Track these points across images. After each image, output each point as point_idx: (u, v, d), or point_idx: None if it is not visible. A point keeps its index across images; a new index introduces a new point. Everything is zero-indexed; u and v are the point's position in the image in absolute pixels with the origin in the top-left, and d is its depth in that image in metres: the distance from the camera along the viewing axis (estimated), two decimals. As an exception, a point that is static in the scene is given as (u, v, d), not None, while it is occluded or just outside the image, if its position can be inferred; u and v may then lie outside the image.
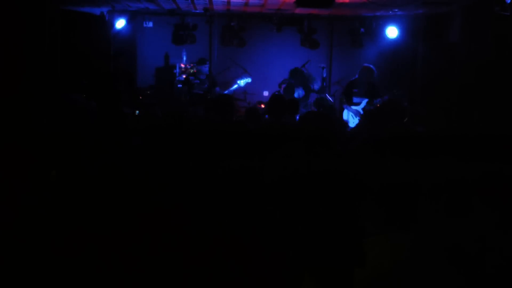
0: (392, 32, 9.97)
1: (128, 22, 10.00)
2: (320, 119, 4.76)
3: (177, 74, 10.09)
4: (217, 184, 2.76)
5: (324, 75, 9.79)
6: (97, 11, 9.73)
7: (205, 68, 9.30)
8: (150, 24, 10.58)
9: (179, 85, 9.71)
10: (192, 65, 9.83)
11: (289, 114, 5.88)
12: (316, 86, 9.50)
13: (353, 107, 8.44)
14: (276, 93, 8.13)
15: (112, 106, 5.03)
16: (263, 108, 8.89)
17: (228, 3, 8.81)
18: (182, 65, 10.19)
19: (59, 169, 3.30)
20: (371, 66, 8.48)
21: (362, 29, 10.27)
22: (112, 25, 9.92)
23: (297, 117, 6.13)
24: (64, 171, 3.29)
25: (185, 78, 9.63)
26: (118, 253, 2.37)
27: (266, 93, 10.45)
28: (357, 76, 8.55)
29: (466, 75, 8.02)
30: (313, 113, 6.10)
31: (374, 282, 2.19)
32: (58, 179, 3.21)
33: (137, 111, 6.10)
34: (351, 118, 8.40)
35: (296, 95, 9.02)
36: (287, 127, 4.87)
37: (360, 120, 8.06)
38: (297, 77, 9.14)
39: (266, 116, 5.61)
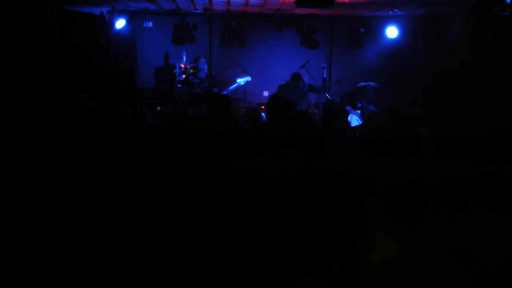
0: (392, 32, 9.97)
1: (128, 22, 10.00)
2: (303, 119, 4.78)
3: (177, 74, 10.09)
4: (216, 184, 2.76)
5: (325, 75, 9.80)
6: (97, 11, 9.73)
7: (202, 64, 9.29)
8: (150, 24, 10.58)
9: (179, 85, 9.72)
10: (192, 65, 9.84)
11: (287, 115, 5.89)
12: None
13: (358, 111, 8.55)
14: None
15: (113, 106, 5.03)
16: (263, 110, 8.91)
17: (228, 3, 8.81)
18: (182, 65, 10.20)
19: (59, 168, 3.30)
20: (375, 84, 8.65)
21: (362, 29, 10.27)
22: (112, 25, 9.92)
23: None
24: (64, 171, 3.29)
25: (184, 78, 9.63)
26: (118, 253, 2.37)
27: (266, 93, 10.44)
28: (364, 84, 8.68)
29: (466, 75, 8.02)
30: (298, 112, 6.15)
31: (376, 277, 2.19)
32: (57, 179, 3.21)
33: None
34: (355, 121, 8.47)
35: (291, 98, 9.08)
36: (285, 128, 4.87)
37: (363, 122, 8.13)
38: (293, 89, 9.22)
39: (263, 115, 5.65)
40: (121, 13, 9.91)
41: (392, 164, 3.09)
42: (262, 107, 9.49)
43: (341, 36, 10.71)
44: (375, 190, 2.57)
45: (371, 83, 8.81)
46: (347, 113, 8.67)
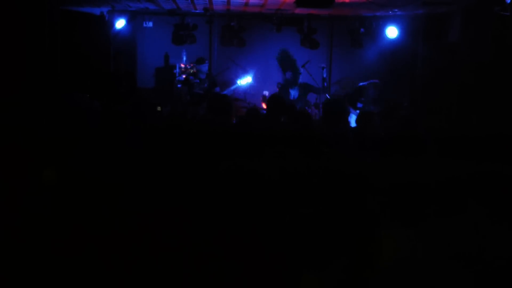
0: (392, 32, 9.96)
1: (128, 22, 10.00)
2: (303, 119, 4.79)
3: (177, 74, 10.09)
4: (217, 184, 2.76)
5: (324, 75, 9.80)
6: (97, 11, 9.73)
7: (205, 68, 9.30)
8: (150, 24, 10.58)
9: (179, 85, 9.71)
10: (192, 65, 9.83)
11: (287, 115, 5.90)
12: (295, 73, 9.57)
13: (358, 111, 8.56)
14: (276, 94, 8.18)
15: (113, 106, 5.02)
16: (264, 109, 8.92)
17: (228, 3, 8.81)
18: (182, 65, 10.19)
19: (59, 169, 3.30)
20: (378, 81, 8.63)
21: (362, 29, 10.26)
22: (112, 25, 9.92)
23: None
24: (64, 171, 3.29)
25: (185, 78, 9.63)
26: (118, 253, 2.37)
27: (266, 93, 10.44)
28: (365, 84, 8.67)
29: (466, 75, 8.01)
30: (300, 112, 6.18)
31: (377, 277, 2.20)
32: (57, 179, 3.21)
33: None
34: (355, 121, 8.47)
35: (291, 96, 9.12)
36: (284, 128, 4.88)
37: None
38: (285, 62, 9.22)
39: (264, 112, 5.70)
40: (121, 13, 9.91)
41: (392, 165, 3.09)
42: (263, 104, 9.53)
43: (341, 36, 10.70)
44: (375, 190, 2.57)
45: (372, 81, 8.79)
46: (348, 112, 8.68)
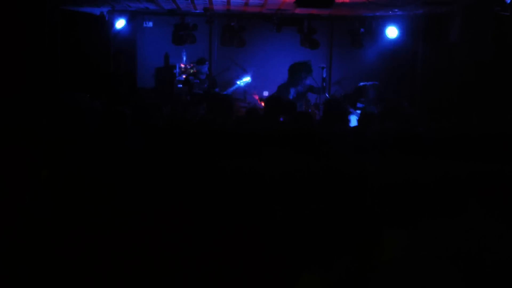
0: (392, 32, 9.97)
1: (128, 22, 10.00)
2: (303, 119, 4.80)
3: (177, 74, 10.09)
4: (217, 184, 2.76)
5: (324, 75, 9.79)
6: (97, 11, 9.73)
7: (205, 68, 9.31)
8: (150, 24, 10.59)
9: (179, 85, 9.72)
10: (192, 65, 9.84)
11: (287, 115, 5.90)
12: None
13: (358, 111, 8.56)
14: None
15: (113, 106, 5.02)
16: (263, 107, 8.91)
17: (228, 3, 8.82)
18: (182, 65, 10.19)
19: (59, 169, 3.30)
20: (377, 83, 8.62)
21: (362, 29, 10.27)
22: (112, 25, 9.93)
23: None
24: (64, 171, 3.29)
25: (185, 78, 9.64)
26: (118, 253, 2.37)
27: (266, 93, 10.44)
28: (364, 84, 8.67)
29: (466, 75, 8.02)
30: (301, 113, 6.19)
31: (374, 278, 2.20)
32: (57, 179, 3.21)
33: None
34: (355, 121, 8.47)
35: (290, 96, 9.09)
36: (285, 128, 4.89)
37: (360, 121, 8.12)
38: (295, 74, 9.14)
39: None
40: (121, 13, 9.92)
41: (392, 164, 3.09)
42: (262, 103, 9.50)
43: (341, 36, 10.71)
44: (375, 190, 2.57)
45: (372, 82, 8.80)
46: (349, 112, 8.67)
